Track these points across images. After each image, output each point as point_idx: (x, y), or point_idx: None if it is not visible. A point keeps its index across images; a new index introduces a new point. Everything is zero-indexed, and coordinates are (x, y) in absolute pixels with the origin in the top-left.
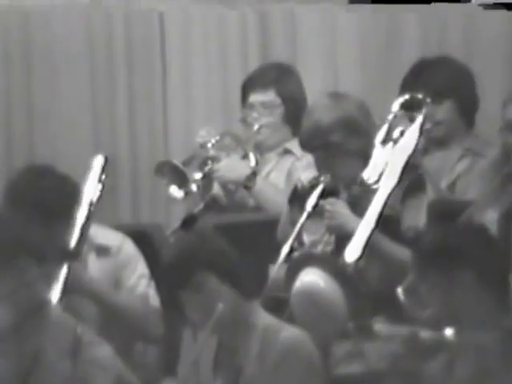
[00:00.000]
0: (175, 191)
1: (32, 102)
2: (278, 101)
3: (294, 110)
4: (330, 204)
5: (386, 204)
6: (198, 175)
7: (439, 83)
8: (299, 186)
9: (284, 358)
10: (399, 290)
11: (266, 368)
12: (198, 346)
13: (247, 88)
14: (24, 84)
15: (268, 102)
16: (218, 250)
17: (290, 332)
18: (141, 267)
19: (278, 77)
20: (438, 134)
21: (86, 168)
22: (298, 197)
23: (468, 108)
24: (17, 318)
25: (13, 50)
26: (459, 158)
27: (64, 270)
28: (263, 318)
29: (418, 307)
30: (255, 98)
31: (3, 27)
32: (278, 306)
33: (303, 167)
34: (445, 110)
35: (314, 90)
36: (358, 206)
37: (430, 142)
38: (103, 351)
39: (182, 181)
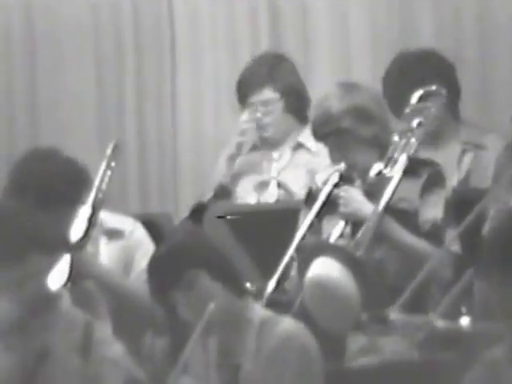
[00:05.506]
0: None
1: (37, 92)
2: (277, 96)
3: (294, 100)
4: (344, 191)
5: (394, 194)
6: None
7: (425, 77)
8: (314, 187)
9: (279, 349)
10: None
11: (263, 361)
12: (189, 346)
13: (243, 88)
14: (29, 72)
15: (268, 99)
16: (211, 246)
17: (285, 324)
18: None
19: (272, 72)
20: (429, 128)
21: (94, 157)
22: (313, 198)
23: (454, 101)
24: (25, 311)
25: (17, 38)
26: (461, 153)
27: (68, 259)
28: (259, 313)
29: None
30: (254, 98)
31: (7, 14)
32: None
33: (325, 167)
34: (433, 104)
35: (326, 81)
36: (373, 194)
37: (425, 138)
38: (114, 350)
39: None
